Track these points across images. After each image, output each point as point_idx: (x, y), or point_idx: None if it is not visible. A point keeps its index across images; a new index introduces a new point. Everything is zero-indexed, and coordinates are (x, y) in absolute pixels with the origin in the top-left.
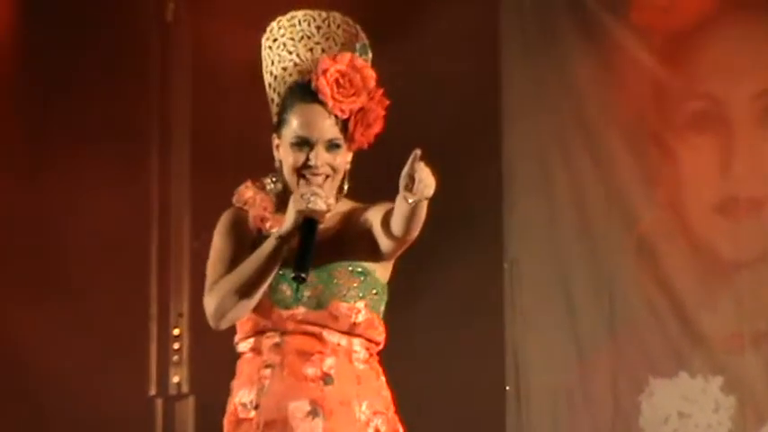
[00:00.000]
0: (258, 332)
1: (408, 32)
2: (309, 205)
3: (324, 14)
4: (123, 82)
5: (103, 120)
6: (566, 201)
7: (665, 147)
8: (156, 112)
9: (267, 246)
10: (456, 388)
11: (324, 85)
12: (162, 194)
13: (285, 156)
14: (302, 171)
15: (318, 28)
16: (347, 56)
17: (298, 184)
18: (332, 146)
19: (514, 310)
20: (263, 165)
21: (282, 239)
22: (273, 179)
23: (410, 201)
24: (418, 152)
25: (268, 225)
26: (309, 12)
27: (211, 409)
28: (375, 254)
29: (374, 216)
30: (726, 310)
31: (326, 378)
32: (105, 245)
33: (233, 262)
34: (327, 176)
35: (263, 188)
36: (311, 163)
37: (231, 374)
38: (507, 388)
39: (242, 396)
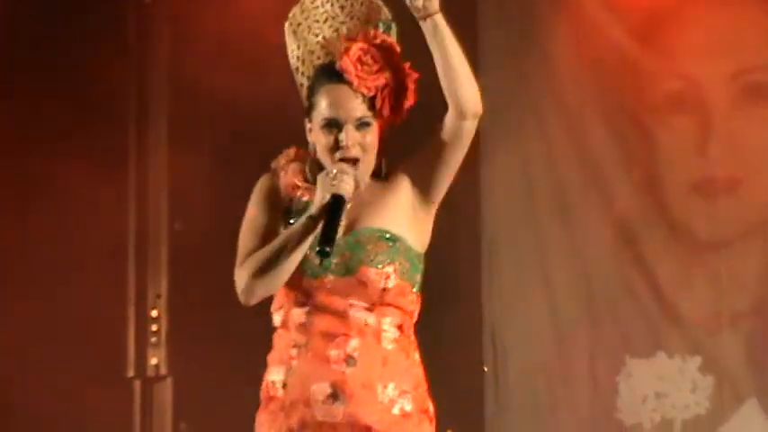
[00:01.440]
0: (288, 302)
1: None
2: (334, 189)
3: None
4: (101, 62)
5: (81, 101)
6: (543, 182)
7: (643, 127)
8: (134, 92)
9: (298, 225)
10: (434, 368)
11: (347, 64)
12: (139, 175)
13: (317, 138)
14: (335, 152)
15: (342, 8)
16: (369, 33)
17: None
18: (361, 125)
19: (492, 291)
20: (241, 144)
21: (313, 219)
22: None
23: (419, 15)
24: None
25: (298, 193)
26: None
27: (189, 390)
28: (407, 220)
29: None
30: (703, 291)
31: (349, 360)
32: (82, 226)
33: (264, 233)
34: (357, 160)
35: (300, 158)
36: (342, 143)
37: (209, 356)
38: (485, 368)
39: (273, 374)
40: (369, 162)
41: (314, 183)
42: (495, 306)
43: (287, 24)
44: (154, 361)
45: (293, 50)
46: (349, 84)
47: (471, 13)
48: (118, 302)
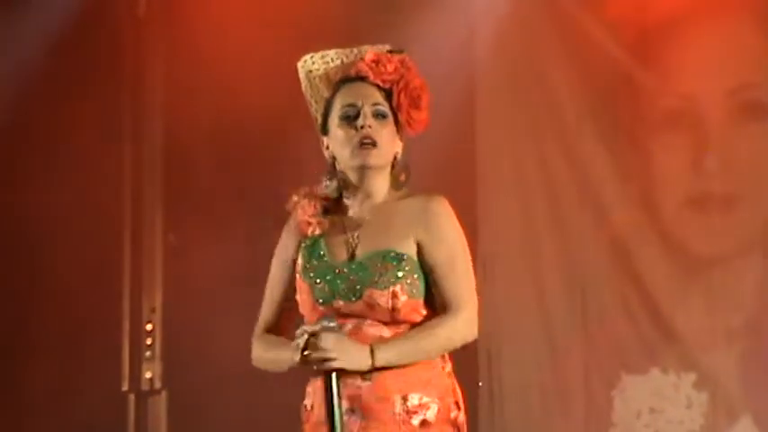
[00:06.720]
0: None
1: (386, 35)
2: (296, 357)
3: (355, 50)
4: (96, 77)
5: (76, 115)
6: (539, 197)
7: (639, 143)
8: (129, 107)
9: (287, 354)
10: None
11: (363, 66)
12: (134, 189)
13: (336, 138)
14: (353, 142)
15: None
16: (383, 52)
17: (352, 156)
18: (378, 113)
19: (487, 306)
20: (236, 159)
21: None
22: (328, 180)
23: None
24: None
25: (310, 230)
26: (340, 50)
27: (184, 404)
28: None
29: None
30: (698, 307)
31: (365, 374)
32: (77, 239)
33: (276, 288)
34: (375, 143)
35: (311, 193)
36: (360, 123)
37: (203, 370)
38: (480, 384)
39: (306, 398)
40: (384, 157)
41: (331, 215)
42: (489, 321)
43: (300, 64)
44: (148, 375)
45: (306, 88)
46: (364, 80)
47: (468, 32)
48: (112, 316)
